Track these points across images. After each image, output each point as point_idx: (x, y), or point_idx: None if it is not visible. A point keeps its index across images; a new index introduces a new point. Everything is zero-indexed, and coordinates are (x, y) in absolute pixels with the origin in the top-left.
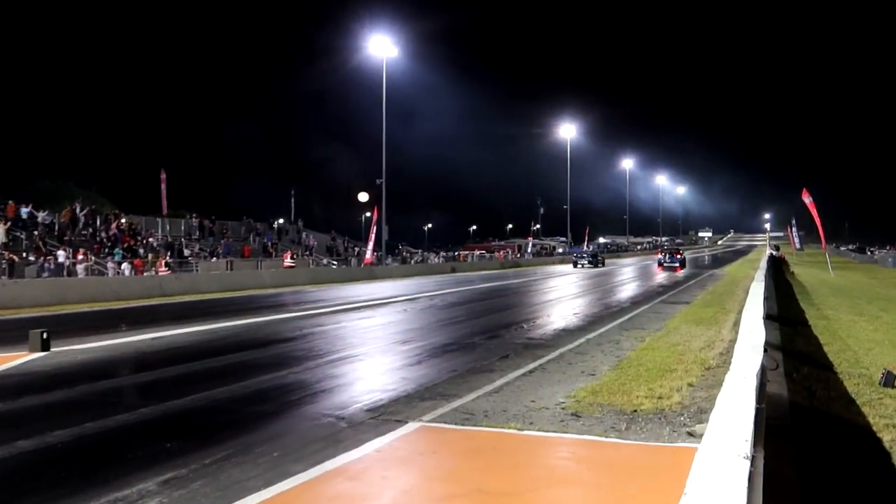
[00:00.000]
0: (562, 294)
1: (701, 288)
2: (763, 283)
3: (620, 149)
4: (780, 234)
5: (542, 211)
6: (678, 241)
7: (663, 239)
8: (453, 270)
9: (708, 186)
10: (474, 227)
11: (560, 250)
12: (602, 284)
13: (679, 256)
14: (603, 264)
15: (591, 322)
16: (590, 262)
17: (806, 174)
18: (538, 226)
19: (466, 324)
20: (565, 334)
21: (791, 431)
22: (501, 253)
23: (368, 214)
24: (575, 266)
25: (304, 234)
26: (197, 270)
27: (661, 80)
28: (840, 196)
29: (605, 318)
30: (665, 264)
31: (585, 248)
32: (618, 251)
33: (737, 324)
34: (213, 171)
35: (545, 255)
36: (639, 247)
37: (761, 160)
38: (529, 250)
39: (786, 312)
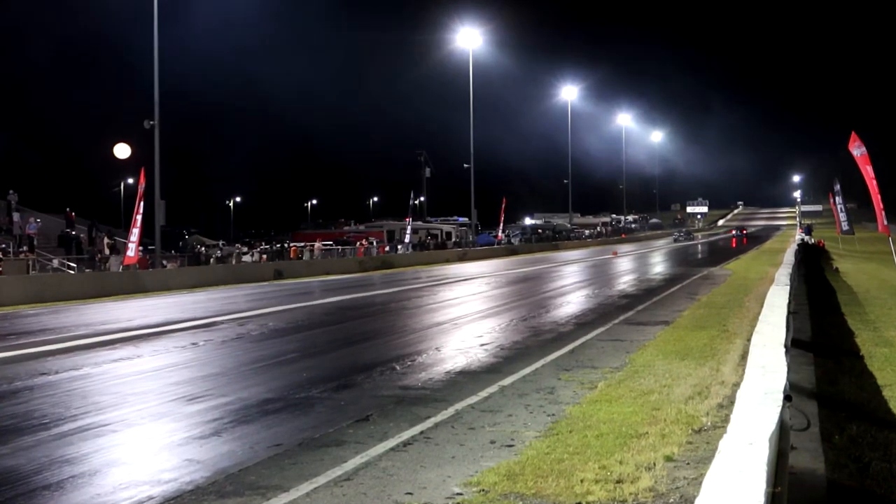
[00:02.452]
0: (462, 312)
1: (689, 297)
2: (788, 288)
3: (560, 74)
4: (817, 206)
5: (427, 175)
6: (653, 220)
7: (629, 218)
8: (280, 275)
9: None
10: (314, 201)
11: (456, 238)
12: (528, 294)
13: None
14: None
15: (508, 357)
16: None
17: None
18: (422, 199)
19: (300, 365)
20: (465, 379)
21: None
22: (362, 244)
23: (133, 181)
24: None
25: (15, 216)
26: None
27: None
28: None
29: (531, 349)
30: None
31: (502, 229)
32: (554, 238)
33: (746, 356)
34: None
35: (435, 248)
36: (587, 232)
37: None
38: (407, 239)
39: (824, 335)
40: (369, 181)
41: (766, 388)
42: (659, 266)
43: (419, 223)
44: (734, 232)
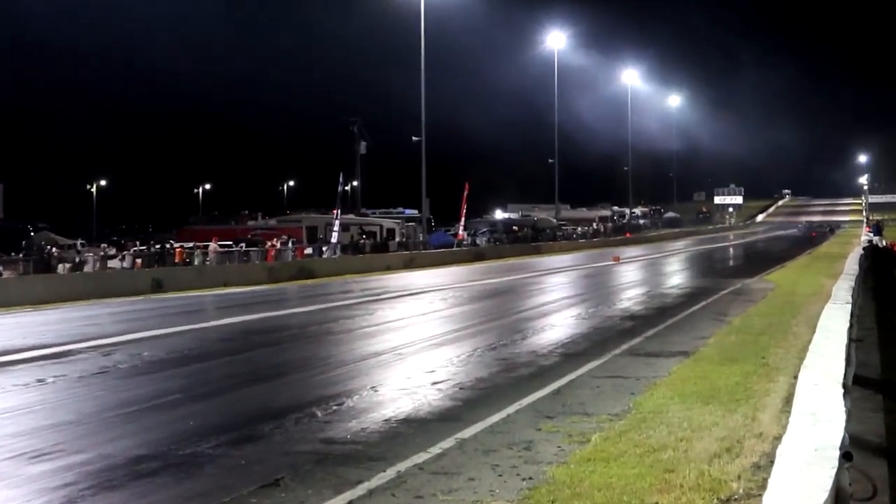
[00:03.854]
0: (409, 337)
1: (716, 319)
2: (849, 308)
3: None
4: (890, 197)
5: (363, 151)
6: (669, 214)
7: (636, 212)
8: (161, 287)
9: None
10: (206, 186)
11: (401, 237)
12: (498, 314)
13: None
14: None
15: (469, 400)
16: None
17: None
18: (355, 183)
19: (186, 410)
20: (411, 429)
21: None
22: (273, 245)
23: None
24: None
25: None
26: None
27: None
28: None
29: (501, 389)
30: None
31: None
32: (535, 238)
33: (791, 399)
34: None
35: (372, 251)
36: (580, 229)
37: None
38: (335, 239)
39: None
40: (283, 160)
41: (817, 442)
42: (676, 276)
43: (351, 217)
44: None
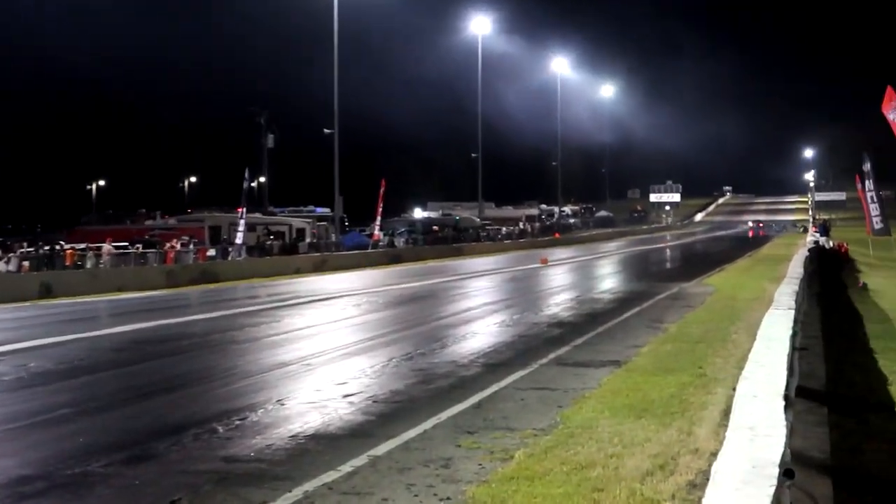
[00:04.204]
0: (319, 346)
1: (651, 326)
2: (793, 314)
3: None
4: (838, 195)
5: (270, 144)
6: (602, 213)
7: (566, 210)
8: (49, 292)
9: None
10: (101, 182)
11: (312, 238)
12: (416, 321)
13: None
14: None
15: (383, 414)
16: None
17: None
18: (261, 180)
19: (75, 426)
20: (320, 446)
21: None
22: (172, 246)
23: None
24: None
25: None
26: None
27: None
28: None
29: (418, 402)
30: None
31: (380, 226)
32: (457, 238)
33: (730, 413)
34: None
35: (281, 253)
36: (505, 229)
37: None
38: (240, 240)
39: (845, 382)
40: (183, 154)
41: (754, 458)
42: (608, 280)
43: (257, 216)
44: (750, 223)
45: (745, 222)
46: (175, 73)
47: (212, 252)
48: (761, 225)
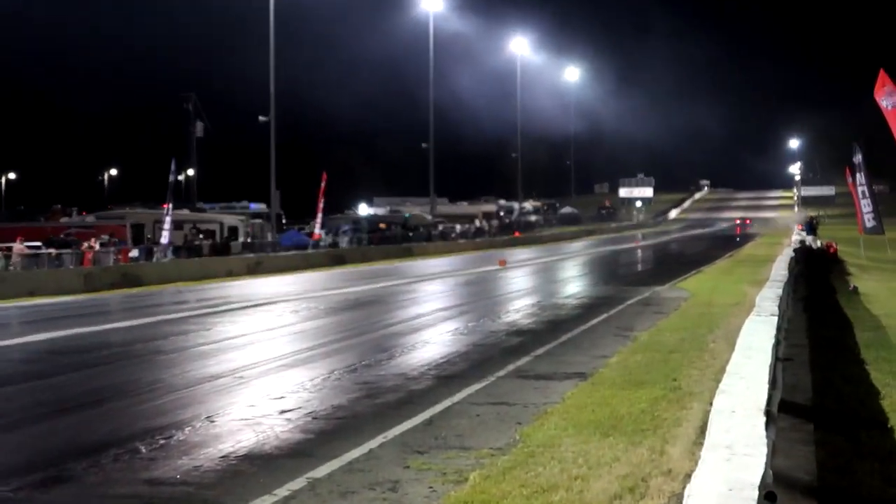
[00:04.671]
0: (253, 357)
1: (620, 335)
2: (776, 321)
3: None
4: (826, 189)
5: (199, 133)
6: (566, 210)
7: (527, 207)
8: None
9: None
10: (11, 175)
11: (246, 237)
12: (361, 329)
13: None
14: None
15: (324, 432)
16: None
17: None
18: (190, 172)
19: None
20: (254, 467)
21: None
22: (91, 246)
23: None
24: None
25: None
26: None
27: None
28: None
29: (363, 419)
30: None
31: (321, 224)
32: (407, 238)
33: (705, 429)
34: None
35: (211, 254)
36: (459, 227)
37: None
38: (166, 239)
39: (833, 396)
40: (102, 143)
41: (733, 480)
42: (573, 284)
43: (185, 212)
44: (737, 221)
45: (725, 220)
46: (93, 56)
47: (134, 253)
48: (748, 222)
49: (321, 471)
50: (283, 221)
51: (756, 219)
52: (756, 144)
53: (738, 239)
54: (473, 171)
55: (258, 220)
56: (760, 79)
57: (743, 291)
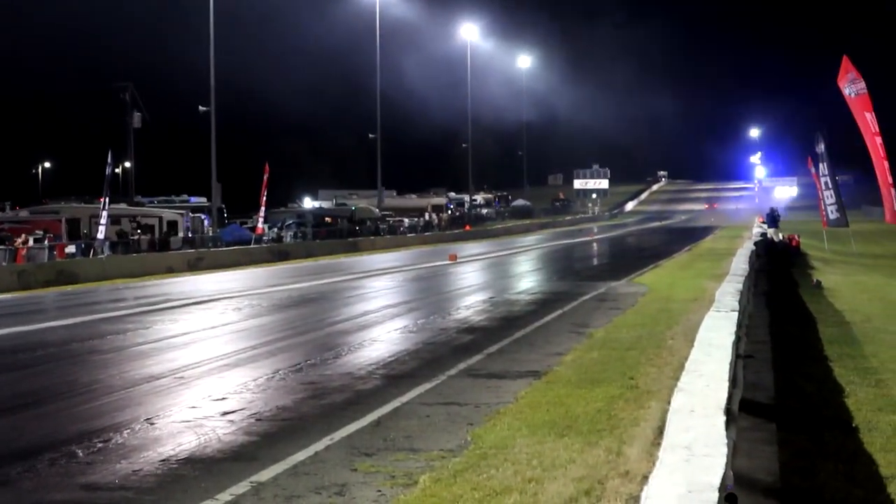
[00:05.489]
0: (194, 357)
1: (576, 331)
2: (736, 316)
3: None
4: (788, 180)
5: (137, 124)
6: (519, 202)
7: (479, 199)
8: None
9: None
10: None
11: (186, 232)
12: (307, 327)
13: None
14: None
15: (268, 434)
16: None
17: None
18: (127, 165)
19: None
20: (195, 471)
21: None
22: (24, 242)
23: None
24: None
25: None
26: None
27: None
28: None
29: (308, 420)
30: None
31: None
32: (353, 232)
33: (664, 429)
34: None
35: (150, 249)
36: (407, 221)
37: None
38: (102, 234)
39: (796, 395)
40: (34, 135)
41: (692, 482)
42: (526, 279)
43: (122, 207)
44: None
45: (683, 212)
46: (24, 41)
47: (70, 249)
48: (715, 206)
49: (265, 474)
50: (225, 216)
51: (714, 211)
52: (715, 134)
53: (712, 218)
54: (423, 163)
55: (199, 215)
56: (720, 67)
57: (702, 286)
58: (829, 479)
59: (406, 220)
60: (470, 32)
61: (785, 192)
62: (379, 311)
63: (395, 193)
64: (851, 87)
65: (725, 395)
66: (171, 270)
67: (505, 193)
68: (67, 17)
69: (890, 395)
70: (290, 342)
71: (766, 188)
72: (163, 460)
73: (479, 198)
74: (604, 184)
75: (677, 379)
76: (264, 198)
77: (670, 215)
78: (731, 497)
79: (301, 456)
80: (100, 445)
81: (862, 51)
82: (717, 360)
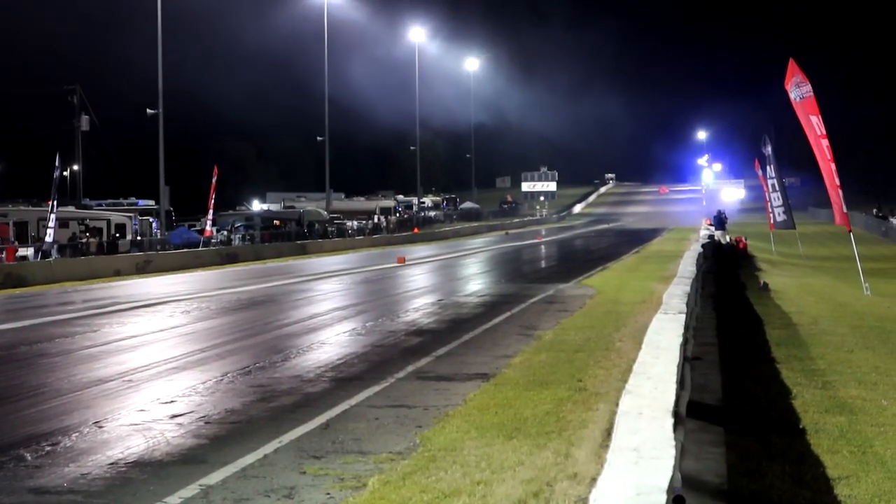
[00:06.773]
0: (142, 360)
1: (524, 334)
2: (684, 318)
3: None
4: (735, 182)
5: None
6: (467, 205)
7: (426, 202)
8: None
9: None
10: None
11: (134, 235)
12: (255, 329)
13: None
14: None
15: (217, 437)
16: None
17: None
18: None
19: None
20: (144, 474)
21: None
22: None
23: None
24: None
25: None
26: None
27: None
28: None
29: (257, 423)
30: None
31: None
32: (302, 235)
33: (612, 431)
34: None
35: (98, 252)
36: (355, 223)
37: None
38: (50, 237)
39: (743, 396)
40: None
41: (640, 484)
42: (475, 281)
43: (70, 210)
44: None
45: (630, 214)
46: None
47: (26, 252)
48: (666, 191)
49: (214, 477)
50: (174, 218)
51: (662, 213)
52: (663, 136)
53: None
54: (371, 166)
55: (147, 218)
56: (667, 69)
57: (650, 288)
58: (776, 480)
59: (354, 223)
60: (418, 35)
61: (732, 194)
62: (327, 313)
63: (343, 196)
64: (798, 90)
65: (673, 397)
66: (119, 273)
67: (453, 196)
68: (13, 19)
69: (836, 396)
70: (239, 345)
71: (713, 190)
72: (111, 464)
73: (428, 200)
74: (552, 186)
75: (625, 381)
76: (213, 201)
77: (618, 217)
78: (680, 499)
79: (250, 459)
80: (48, 449)
81: (809, 54)
82: (664, 362)
